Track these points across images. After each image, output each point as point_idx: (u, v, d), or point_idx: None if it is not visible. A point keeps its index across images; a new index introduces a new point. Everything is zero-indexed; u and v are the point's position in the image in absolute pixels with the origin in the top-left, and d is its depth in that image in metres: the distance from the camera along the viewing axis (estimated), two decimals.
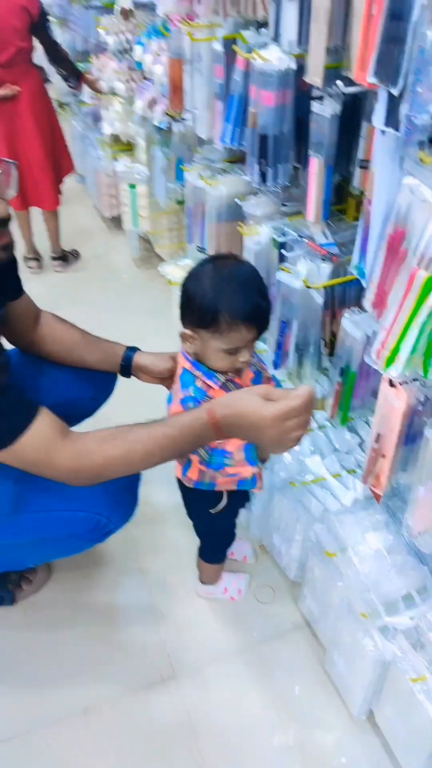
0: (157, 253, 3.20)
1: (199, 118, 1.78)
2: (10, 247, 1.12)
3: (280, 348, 1.57)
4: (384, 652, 1.24)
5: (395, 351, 1.02)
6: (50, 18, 2.90)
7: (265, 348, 1.64)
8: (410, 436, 1.14)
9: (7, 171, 1.07)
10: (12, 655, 1.58)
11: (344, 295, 1.46)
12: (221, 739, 1.42)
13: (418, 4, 0.86)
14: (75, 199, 3.83)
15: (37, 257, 3.26)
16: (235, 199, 1.72)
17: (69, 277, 3.27)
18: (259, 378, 1.29)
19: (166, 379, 1.47)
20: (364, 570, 1.29)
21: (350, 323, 1.27)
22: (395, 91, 0.92)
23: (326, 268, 1.40)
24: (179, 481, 1.39)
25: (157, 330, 2.45)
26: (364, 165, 1.33)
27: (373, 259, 1.12)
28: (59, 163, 3.07)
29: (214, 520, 1.43)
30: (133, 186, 2.86)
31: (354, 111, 1.32)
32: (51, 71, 3.13)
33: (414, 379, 1.06)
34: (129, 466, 1.15)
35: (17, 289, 1.40)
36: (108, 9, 3.13)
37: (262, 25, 1.49)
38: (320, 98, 1.27)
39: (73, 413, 1.37)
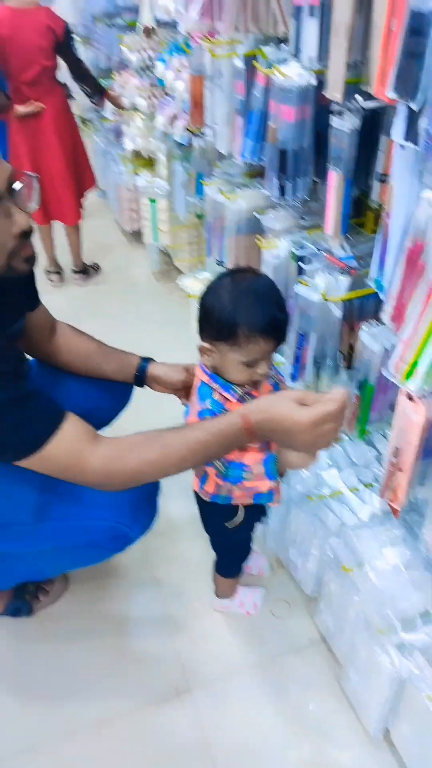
0: (176, 267, 3.22)
1: (220, 134, 1.80)
2: (32, 259, 1.14)
3: (298, 361, 1.57)
4: (400, 669, 1.23)
5: (414, 364, 1.02)
6: (75, 37, 2.96)
7: (282, 360, 1.64)
8: (428, 450, 1.13)
9: (29, 184, 1.09)
10: (27, 666, 1.58)
11: (362, 308, 1.46)
12: (235, 755, 1.40)
13: None
14: (96, 214, 3.88)
15: (58, 270, 3.30)
16: (254, 213, 1.73)
17: (89, 290, 3.30)
18: (276, 390, 1.29)
19: (180, 389, 1.48)
20: (381, 585, 1.28)
21: (368, 336, 1.27)
22: (415, 106, 0.93)
23: (344, 281, 1.40)
24: (196, 494, 1.39)
25: (175, 342, 2.46)
26: (383, 179, 1.34)
27: (392, 272, 1.12)
28: (81, 178, 3.12)
29: (231, 534, 1.43)
30: (153, 200, 2.90)
31: (373, 125, 1.33)
32: (74, 88, 3.19)
33: None
34: (162, 471, 1.14)
35: (35, 300, 1.43)
36: (131, 27, 3.19)
37: (282, 41, 1.50)
38: (340, 113, 1.28)
39: (90, 423, 1.38)
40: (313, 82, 1.34)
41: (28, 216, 1.09)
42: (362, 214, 1.61)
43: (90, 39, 3.75)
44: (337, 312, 1.41)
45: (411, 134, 0.98)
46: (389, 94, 0.97)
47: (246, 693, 1.51)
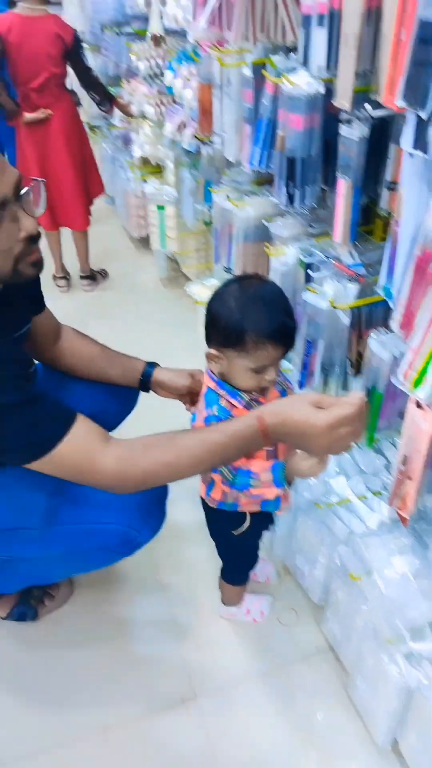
0: (184, 273, 3.23)
1: (228, 141, 1.81)
2: (39, 264, 1.14)
3: (306, 368, 1.57)
4: (409, 679, 1.22)
5: (423, 372, 1.02)
6: (84, 45, 2.98)
7: (290, 367, 1.64)
8: None
9: (36, 189, 1.09)
10: (32, 671, 1.58)
11: (371, 315, 1.46)
12: (240, 764, 1.39)
13: None
14: (104, 220, 3.89)
15: (66, 276, 3.32)
16: (262, 221, 1.73)
17: (97, 295, 3.31)
18: (284, 397, 1.28)
19: (184, 395, 1.49)
20: (390, 594, 1.27)
21: (377, 344, 1.27)
22: (424, 115, 0.93)
23: (353, 288, 1.40)
24: (203, 501, 1.39)
25: (182, 348, 2.46)
26: (392, 187, 1.34)
27: (401, 280, 1.12)
28: (89, 184, 3.13)
29: (237, 541, 1.43)
30: (161, 207, 2.91)
31: (382, 133, 1.33)
32: (83, 95, 3.21)
33: None
34: (176, 472, 1.14)
35: (40, 304, 1.43)
36: (139, 35, 3.21)
37: (291, 50, 1.51)
38: (348, 121, 1.28)
39: None
40: (322, 90, 1.35)
41: (35, 220, 1.09)
42: (371, 222, 1.61)
43: (98, 46, 3.78)
44: (345, 319, 1.41)
45: (420, 142, 0.98)
46: (398, 102, 0.98)
47: (252, 701, 1.51)
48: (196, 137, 2.37)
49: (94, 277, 3.34)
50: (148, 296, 3.27)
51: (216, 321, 1.16)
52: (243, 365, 1.16)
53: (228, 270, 1.98)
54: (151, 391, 1.55)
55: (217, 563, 1.62)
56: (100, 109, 3.13)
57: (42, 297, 1.43)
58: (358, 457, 1.60)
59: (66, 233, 3.21)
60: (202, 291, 2.32)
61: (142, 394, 1.58)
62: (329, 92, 1.31)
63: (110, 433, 1.17)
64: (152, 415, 1.63)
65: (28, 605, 1.66)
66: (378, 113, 1.20)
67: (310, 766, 1.39)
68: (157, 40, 2.78)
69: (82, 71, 2.91)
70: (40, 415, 1.10)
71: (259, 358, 1.14)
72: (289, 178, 1.48)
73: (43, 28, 2.68)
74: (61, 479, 1.16)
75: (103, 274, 3.42)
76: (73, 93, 3.01)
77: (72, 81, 3.00)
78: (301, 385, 1.60)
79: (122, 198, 3.58)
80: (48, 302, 1.48)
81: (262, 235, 1.78)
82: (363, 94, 1.20)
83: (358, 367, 1.51)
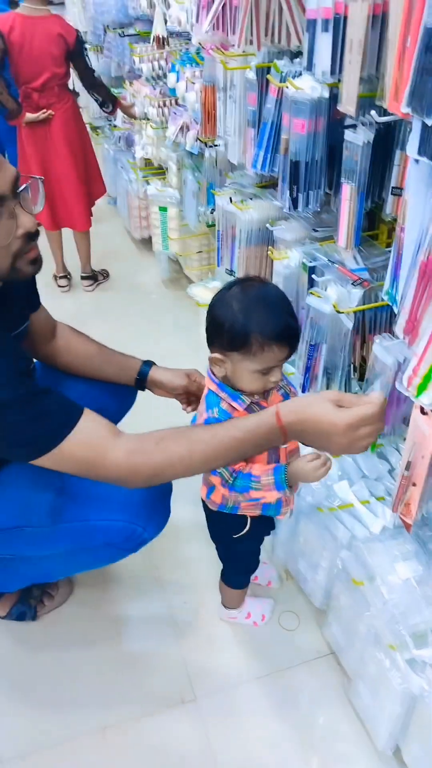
0: (186, 275, 3.23)
1: (231, 144, 1.81)
2: (37, 261, 1.14)
3: (309, 371, 1.57)
4: (411, 686, 1.22)
5: (427, 378, 1.02)
6: (87, 46, 2.97)
7: (293, 371, 1.64)
8: None
9: (34, 186, 1.09)
10: (31, 671, 1.58)
11: (375, 320, 1.46)
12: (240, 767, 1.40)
13: None
14: (106, 220, 3.89)
15: (67, 275, 3.32)
16: (266, 224, 1.73)
17: (98, 296, 3.31)
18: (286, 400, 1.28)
19: (180, 394, 1.50)
20: (393, 600, 1.27)
21: (381, 349, 1.27)
22: (429, 122, 0.93)
23: (357, 293, 1.40)
24: (204, 503, 1.39)
25: (184, 350, 2.47)
26: (397, 192, 1.34)
27: (405, 285, 1.12)
28: (91, 185, 3.13)
29: (237, 544, 1.43)
30: (163, 209, 2.91)
31: (387, 138, 1.33)
32: (85, 96, 3.21)
33: None
34: (189, 467, 1.12)
35: (36, 301, 1.43)
36: (142, 37, 3.20)
37: (295, 54, 1.51)
38: (353, 126, 1.28)
39: None
40: (326, 95, 1.35)
41: (33, 218, 1.09)
42: (376, 227, 1.61)
43: (101, 47, 3.77)
44: (348, 324, 1.41)
45: (425, 149, 0.98)
46: (404, 109, 0.97)
47: (252, 704, 1.50)
48: (199, 139, 2.36)
49: (95, 277, 3.34)
50: (150, 297, 3.27)
51: (219, 325, 1.15)
52: (248, 368, 1.15)
53: (230, 272, 1.98)
54: (147, 390, 1.55)
55: (218, 565, 1.62)
56: (103, 110, 3.13)
57: (37, 294, 1.43)
58: (362, 462, 1.60)
59: (67, 233, 3.21)
60: (204, 293, 2.32)
61: (141, 392, 1.59)
62: (334, 97, 1.31)
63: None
64: (151, 413, 1.63)
65: (28, 605, 1.67)
66: (384, 119, 1.19)
67: None
68: (161, 42, 2.78)
69: (84, 72, 2.91)
70: (46, 409, 1.09)
71: (264, 360, 1.14)
72: (293, 182, 1.48)
73: (46, 28, 2.68)
74: (65, 477, 1.16)
75: (104, 274, 3.42)
76: (75, 93, 3.00)
77: (74, 82, 2.99)
78: (304, 388, 1.60)
79: (124, 199, 3.58)
80: (49, 302, 1.48)
81: (265, 239, 1.78)
82: (368, 100, 1.20)
83: (361, 371, 1.51)
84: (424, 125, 0.95)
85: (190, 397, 1.53)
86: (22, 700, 1.53)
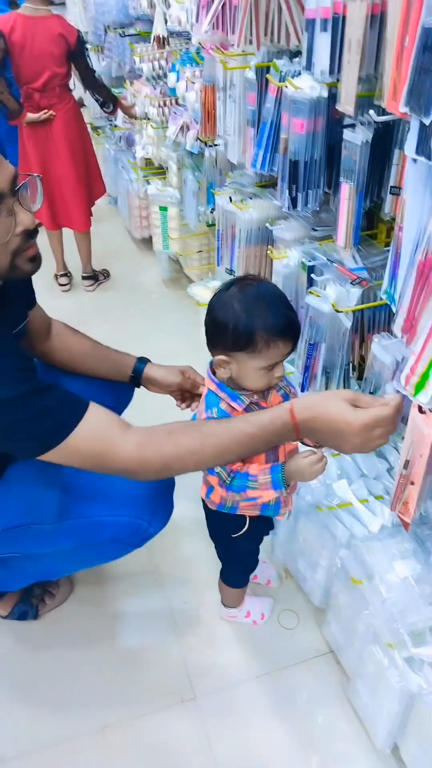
0: (186, 274, 3.23)
1: (231, 144, 1.81)
2: (36, 259, 1.15)
3: (308, 370, 1.58)
4: (409, 684, 1.22)
5: (425, 377, 1.02)
6: (88, 46, 2.98)
7: (292, 370, 1.64)
8: None
9: (32, 184, 1.10)
10: (33, 671, 1.58)
11: (373, 319, 1.46)
12: (239, 767, 1.40)
13: None
14: (106, 220, 3.90)
15: (67, 273, 3.32)
16: (265, 223, 1.73)
17: (99, 295, 3.32)
18: (286, 401, 1.28)
19: (175, 391, 1.52)
20: (391, 599, 1.27)
21: (380, 348, 1.27)
22: (427, 121, 0.93)
23: (355, 292, 1.40)
24: (203, 502, 1.39)
25: (184, 350, 2.45)
26: (396, 191, 1.34)
27: (403, 284, 1.12)
28: (91, 185, 3.14)
29: (236, 544, 1.43)
30: (164, 208, 2.91)
31: (386, 137, 1.33)
32: (86, 96, 3.21)
33: None
34: (200, 460, 1.12)
35: (32, 299, 1.44)
36: (143, 37, 3.21)
37: (295, 54, 1.51)
38: (352, 126, 1.28)
39: None
40: (325, 94, 1.35)
41: (32, 215, 1.09)
42: (375, 226, 1.62)
43: (101, 47, 3.78)
44: (347, 323, 1.41)
45: (423, 148, 0.98)
46: (402, 109, 0.97)
47: (252, 703, 1.51)
48: (199, 139, 2.37)
49: (96, 277, 3.35)
50: (150, 297, 3.28)
51: (223, 327, 1.14)
52: (254, 366, 1.15)
53: (230, 272, 1.98)
54: (141, 386, 1.56)
55: (218, 564, 1.62)
56: (103, 110, 3.13)
57: (33, 292, 1.44)
58: (361, 461, 1.60)
59: (68, 233, 3.22)
60: (204, 292, 2.32)
61: (139, 389, 1.60)
62: (333, 96, 1.31)
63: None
64: (148, 409, 1.64)
65: (29, 604, 1.67)
66: (382, 118, 1.20)
67: None
68: (161, 42, 2.78)
69: (85, 72, 2.91)
70: (52, 404, 1.09)
71: (270, 356, 1.14)
72: (292, 181, 1.48)
73: (47, 27, 2.68)
74: (69, 474, 1.16)
75: (105, 274, 3.42)
76: (80, 100, 3.01)
77: (75, 81, 2.99)
78: (303, 388, 1.60)
79: (125, 199, 3.58)
80: (50, 302, 1.48)
81: (264, 238, 1.79)
82: (367, 99, 1.20)
83: (360, 370, 1.52)
84: (422, 124, 0.95)
85: (184, 393, 1.54)
86: (23, 700, 1.53)
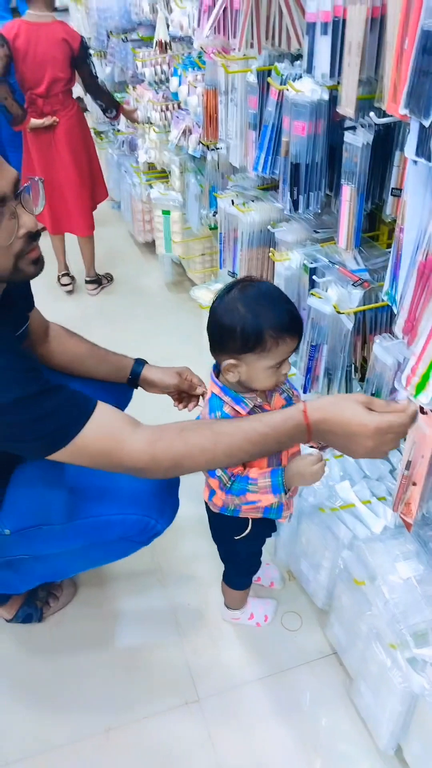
0: (189, 278, 3.24)
1: (233, 147, 1.82)
2: (39, 261, 1.15)
3: (310, 372, 1.58)
4: (412, 684, 1.22)
5: (426, 377, 1.02)
6: (91, 52, 2.99)
7: (294, 371, 1.65)
8: None
9: (34, 187, 1.10)
10: (36, 673, 1.58)
11: (375, 320, 1.47)
12: None
13: None
14: (109, 224, 3.91)
15: (68, 273, 3.34)
16: (267, 226, 1.74)
17: (102, 299, 3.33)
18: (289, 405, 1.28)
19: (172, 392, 1.54)
20: (394, 600, 1.27)
21: (381, 349, 1.28)
22: (427, 123, 0.93)
23: (357, 293, 1.41)
24: (206, 504, 1.39)
25: (187, 352, 2.46)
26: (397, 193, 1.35)
27: (404, 285, 1.12)
28: (94, 191, 3.15)
29: (239, 546, 1.43)
30: (166, 212, 2.92)
31: (386, 140, 1.34)
32: (89, 100, 3.22)
33: None
34: (212, 459, 1.11)
35: (32, 302, 1.44)
36: (145, 42, 3.22)
37: (296, 57, 1.52)
38: (353, 128, 1.29)
39: None
40: (326, 97, 1.36)
41: (35, 218, 1.10)
42: (376, 228, 1.62)
43: (104, 52, 3.80)
44: (349, 324, 1.41)
45: (423, 150, 0.99)
46: (402, 110, 0.98)
47: (255, 705, 1.51)
48: (201, 143, 2.38)
49: (99, 281, 3.36)
50: (153, 300, 3.29)
51: (230, 331, 1.13)
52: (263, 365, 1.15)
53: (233, 275, 1.99)
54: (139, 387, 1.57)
55: (221, 565, 1.62)
56: (106, 116, 3.15)
57: (32, 295, 1.44)
58: (363, 462, 1.60)
59: (72, 237, 3.23)
60: (207, 295, 2.33)
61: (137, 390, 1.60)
62: (333, 99, 1.31)
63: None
64: (149, 412, 1.64)
65: (34, 606, 1.68)
66: (382, 120, 1.20)
67: None
68: (163, 46, 2.80)
69: (88, 78, 2.93)
70: (60, 404, 1.09)
71: (278, 354, 1.14)
72: (293, 183, 1.49)
73: (50, 33, 2.70)
74: (75, 475, 1.16)
75: (108, 278, 3.43)
76: (79, 99, 3.02)
77: (79, 88, 3.01)
78: (306, 389, 1.60)
79: (128, 203, 3.59)
80: (53, 305, 1.49)
81: (266, 240, 1.79)
82: (367, 102, 1.21)
83: (362, 372, 1.52)
84: (422, 126, 0.96)
85: (181, 394, 1.56)
86: (27, 702, 1.53)
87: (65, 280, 3.31)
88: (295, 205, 1.52)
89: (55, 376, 1.52)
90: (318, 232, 1.65)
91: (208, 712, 1.49)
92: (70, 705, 1.52)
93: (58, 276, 3.31)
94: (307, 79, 1.36)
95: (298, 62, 1.47)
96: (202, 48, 2.01)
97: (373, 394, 1.35)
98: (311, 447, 1.30)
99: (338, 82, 1.24)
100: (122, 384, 1.55)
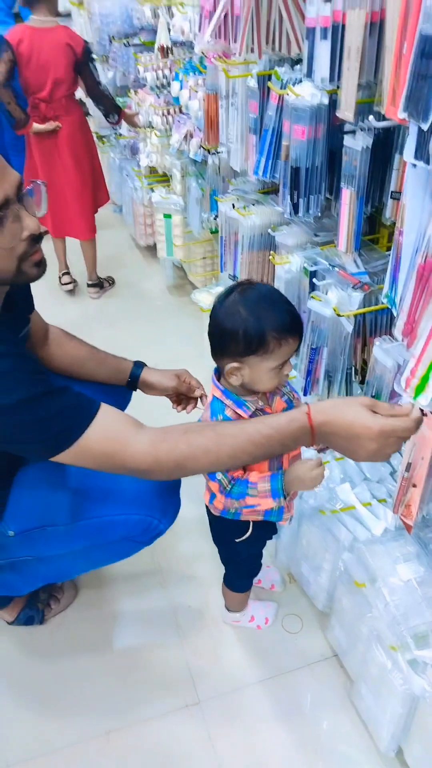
0: (190, 281, 3.25)
1: (234, 151, 1.83)
2: (42, 263, 1.16)
3: (310, 375, 1.58)
4: (413, 686, 1.22)
5: (425, 380, 1.03)
6: (94, 57, 3.01)
7: (294, 374, 1.65)
8: None
9: (37, 190, 1.11)
10: (37, 676, 1.59)
11: (375, 323, 1.47)
12: None
13: None
14: (111, 228, 3.92)
15: (69, 272, 3.35)
16: (268, 229, 1.75)
17: (104, 302, 3.34)
18: (290, 408, 1.29)
19: (171, 394, 1.55)
20: (394, 602, 1.27)
21: (381, 351, 1.28)
22: (425, 127, 0.94)
23: (357, 296, 1.41)
24: (207, 508, 1.39)
25: (188, 356, 2.46)
26: (396, 196, 1.35)
27: (404, 288, 1.13)
28: (96, 194, 3.17)
29: (239, 549, 1.43)
30: (168, 216, 2.93)
31: (386, 143, 1.35)
32: (91, 105, 3.24)
33: None
34: (215, 461, 1.11)
35: (32, 304, 1.45)
36: (147, 46, 3.24)
37: (295, 62, 1.53)
38: (352, 132, 1.29)
39: None
40: (326, 101, 1.36)
41: (37, 220, 1.11)
42: (376, 231, 1.63)
43: (106, 57, 3.82)
44: (349, 327, 1.42)
45: (422, 153, 0.99)
46: (401, 114, 0.99)
47: (256, 707, 1.51)
48: (202, 147, 2.39)
49: (101, 284, 3.37)
50: (155, 303, 3.29)
51: (233, 334, 1.14)
52: (266, 367, 1.16)
53: (234, 278, 2.00)
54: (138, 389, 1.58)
55: (222, 568, 1.62)
56: (107, 120, 3.16)
57: (32, 297, 1.45)
58: (363, 464, 1.61)
59: (74, 240, 3.25)
60: (208, 298, 2.33)
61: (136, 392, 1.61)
62: (333, 103, 1.32)
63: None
64: (149, 413, 1.64)
65: (35, 609, 1.68)
66: (381, 124, 1.21)
67: None
68: (165, 51, 2.81)
69: (91, 83, 2.94)
70: (64, 405, 1.10)
71: (281, 355, 1.15)
72: (293, 187, 1.50)
73: (54, 38, 2.72)
74: (78, 476, 1.16)
75: (110, 281, 3.44)
76: (82, 103, 3.04)
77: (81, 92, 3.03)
78: (306, 392, 1.61)
79: (129, 206, 3.61)
80: (55, 308, 1.50)
81: (267, 244, 1.80)
82: (367, 105, 1.22)
83: (363, 374, 1.52)
84: (420, 130, 0.96)
85: (180, 396, 1.56)
86: (28, 705, 1.53)
87: (66, 279, 3.32)
88: (295, 208, 1.53)
89: (56, 378, 1.53)
90: (318, 236, 1.66)
91: (209, 715, 1.49)
92: (71, 707, 1.52)
93: (59, 276, 3.32)
94: (307, 84, 1.37)
95: (298, 67, 1.48)
96: (203, 53, 2.02)
97: (373, 397, 1.36)
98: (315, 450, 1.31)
99: (338, 87, 1.25)
100: (121, 387, 1.56)
